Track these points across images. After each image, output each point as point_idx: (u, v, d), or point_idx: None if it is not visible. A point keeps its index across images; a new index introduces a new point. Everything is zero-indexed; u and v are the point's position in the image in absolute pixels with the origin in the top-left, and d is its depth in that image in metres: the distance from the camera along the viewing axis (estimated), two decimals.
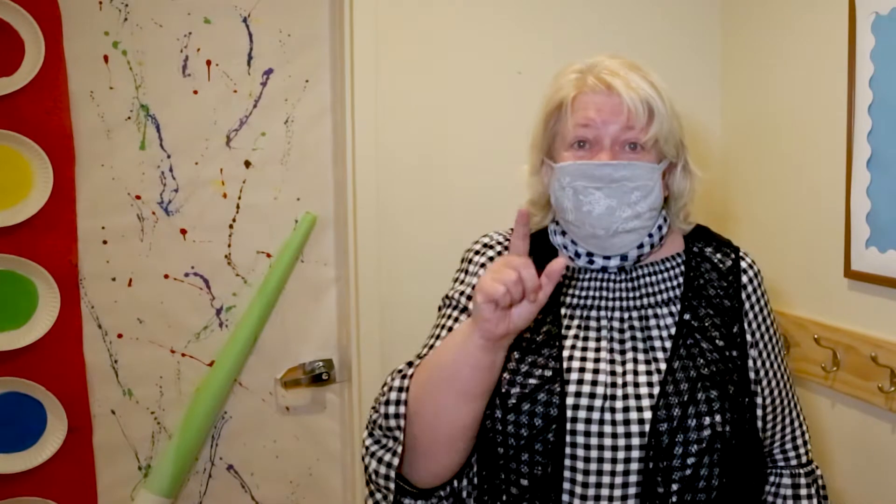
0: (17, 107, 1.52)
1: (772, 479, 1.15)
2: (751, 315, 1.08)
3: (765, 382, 1.09)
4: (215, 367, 1.71)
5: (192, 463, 1.73)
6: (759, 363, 1.08)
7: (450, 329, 1.08)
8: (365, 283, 1.71)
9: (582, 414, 0.98)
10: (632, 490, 0.97)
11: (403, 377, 1.01)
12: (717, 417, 0.98)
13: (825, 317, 1.55)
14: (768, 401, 1.09)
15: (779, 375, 1.11)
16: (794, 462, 1.15)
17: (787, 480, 1.14)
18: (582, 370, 1.00)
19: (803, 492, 1.13)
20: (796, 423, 1.15)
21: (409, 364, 1.05)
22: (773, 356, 1.11)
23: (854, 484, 1.50)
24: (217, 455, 1.76)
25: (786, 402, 1.13)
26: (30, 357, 1.57)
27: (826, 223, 1.54)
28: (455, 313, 1.10)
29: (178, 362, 1.71)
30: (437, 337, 1.09)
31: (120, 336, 1.67)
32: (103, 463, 1.67)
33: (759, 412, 1.08)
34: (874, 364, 1.39)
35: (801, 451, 1.15)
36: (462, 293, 1.11)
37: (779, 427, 1.13)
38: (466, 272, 1.14)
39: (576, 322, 1.05)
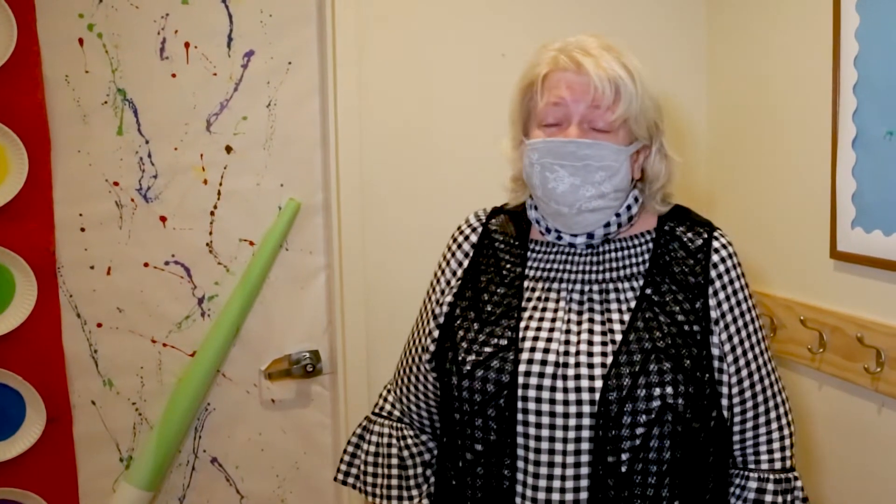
0: None
1: (737, 480, 1.07)
2: (721, 294, 1.06)
3: (734, 368, 1.05)
4: (197, 357, 1.68)
5: (174, 455, 1.70)
6: (727, 346, 1.05)
7: (419, 338, 1.15)
8: (350, 272, 1.69)
9: (533, 381, 1.00)
10: (584, 458, 0.98)
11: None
12: (669, 389, 0.98)
13: (811, 298, 1.55)
14: (735, 390, 1.04)
15: (753, 366, 1.06)
16: (765, 466, 1.06)
17: (752, 484, 1.05)
18: (535, 339, 1.03)
19: (768, 499, 1.04)
20: (774, 424, 1.07)
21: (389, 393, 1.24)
22: (748, 342, 1.06)
23: (840, 465, 1.50)
24: (201, 447, 1.73)
25: (762, 396, 1.06)
26: (7, 346, 1.54)
27: (811, 204, 1.54)
28: (425, 317, 1.16)
29: (160, 352, 1.68)
30: (408, 345, 1.19)
31: (99, 325, 1.64)
32: (84, 454, 1.64)
33: (725, 390, 1.04)
34: (860, 345, 1.39)
35: (777, 455, 1.06)
36: (430, 295, 1.17)
37: (750, 424, 1.07)
38: (440, 266, 1.17)
39: (536, 294, 1.08)
